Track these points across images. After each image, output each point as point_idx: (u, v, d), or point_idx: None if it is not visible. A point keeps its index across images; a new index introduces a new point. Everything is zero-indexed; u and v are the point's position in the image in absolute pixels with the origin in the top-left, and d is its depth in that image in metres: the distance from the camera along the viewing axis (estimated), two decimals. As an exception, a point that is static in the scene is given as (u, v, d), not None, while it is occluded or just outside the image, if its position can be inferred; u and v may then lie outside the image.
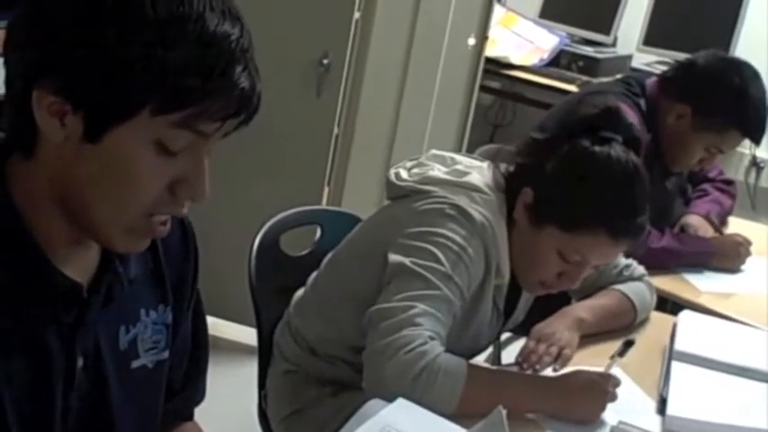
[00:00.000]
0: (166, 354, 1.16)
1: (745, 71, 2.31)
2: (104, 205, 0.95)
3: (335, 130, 2.99)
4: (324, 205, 2.98)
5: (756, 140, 2.31)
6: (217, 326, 2.89)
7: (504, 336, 1.95)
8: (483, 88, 3.79)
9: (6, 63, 0.95)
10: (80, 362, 1.03)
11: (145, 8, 0.88)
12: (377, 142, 3.30)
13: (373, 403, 1.39)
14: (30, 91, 0.91)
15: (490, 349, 1.88)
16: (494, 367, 1.69)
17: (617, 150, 1.58)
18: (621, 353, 1.67)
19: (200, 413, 1.32)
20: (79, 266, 1.01)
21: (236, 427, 2.20)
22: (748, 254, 2.37)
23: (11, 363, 0.96)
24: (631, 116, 2.27)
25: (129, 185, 0.94)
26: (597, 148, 1.58)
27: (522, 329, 1.87)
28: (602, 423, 1.51)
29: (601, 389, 1.52)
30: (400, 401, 1.39)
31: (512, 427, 1.35)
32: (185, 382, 1.27)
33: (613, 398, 1.52)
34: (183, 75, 0.89)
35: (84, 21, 0.89)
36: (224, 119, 0.93)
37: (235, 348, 2.81)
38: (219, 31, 0.90)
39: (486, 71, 3.69)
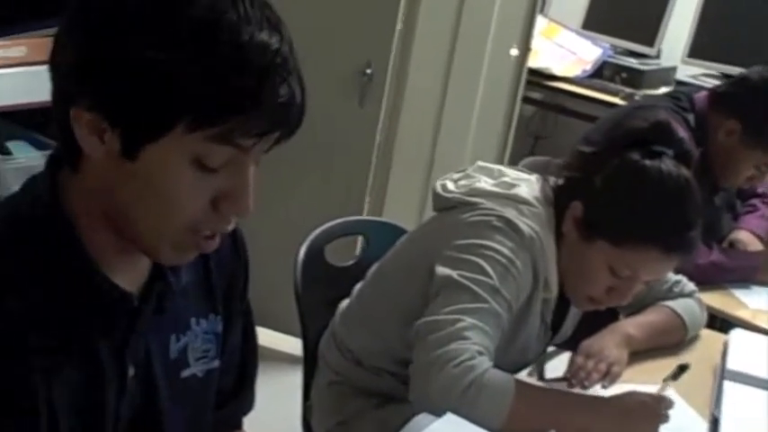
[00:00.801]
0: (216, 363, 1.16)
1: None
2: (148, 221, 0.94)
3: (377, 140, 2.99)
4: (365, 215, 2.98)
5: None
6: (261, 335, 2.89)
7: (551, 349, 1.92)
8: (525, 99, 3.76)
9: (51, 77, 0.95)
10: (131, 371, 1.03)
11: (175, 21, 0.86)
12: (418, 152, 3.29)
13: (421, 417, 1.38)
14: (68, 108, 0.91)
15: (533, 365, 1.86)
16: (543, 384, 1.66)
17: (668, 164, 1.56)
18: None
19: (245, 423, 1.31)
20: (130, 275, 1.02)
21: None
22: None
23: (63, 372, 0.96)
24: (680, 131, 2.24)
25: (169, 203, 0.92)
26: (648, 162, 1.56)
27: (566, 344, 1.84)
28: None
29: (654, 411, 1.49)
30: (449, 416, 1.38)
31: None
32: (234, 392, 1.26)
33: (666, 420, 1.49)
34: (216, 89, 0.86)
35: (112, 37, 0.87)
36: (261, 134, 0.90)
37: (279, 358, 2.81)
38: (256, 42, 0.87)
39: (528, 82, 3.66)
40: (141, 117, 0.88)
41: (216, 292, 1.15)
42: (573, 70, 4.09)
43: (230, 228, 0.98)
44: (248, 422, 1.32)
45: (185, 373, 1.11)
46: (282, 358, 2.77)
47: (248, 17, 0.87)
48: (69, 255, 0.96)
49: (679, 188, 1.56)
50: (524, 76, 3.54)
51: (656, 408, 1.50)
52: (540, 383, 1.66)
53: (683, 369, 1.67)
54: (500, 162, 3.60)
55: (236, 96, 0.87)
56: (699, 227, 1.59)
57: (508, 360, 1.60)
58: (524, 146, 4.34)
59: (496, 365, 1.47)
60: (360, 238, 2.21)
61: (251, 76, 0.87)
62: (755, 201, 2.56)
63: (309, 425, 1.83)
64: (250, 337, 1.27)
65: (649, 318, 1.81)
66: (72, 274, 0.96)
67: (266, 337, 2.90)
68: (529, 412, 1.42)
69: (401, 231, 1.95)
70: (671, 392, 1.61)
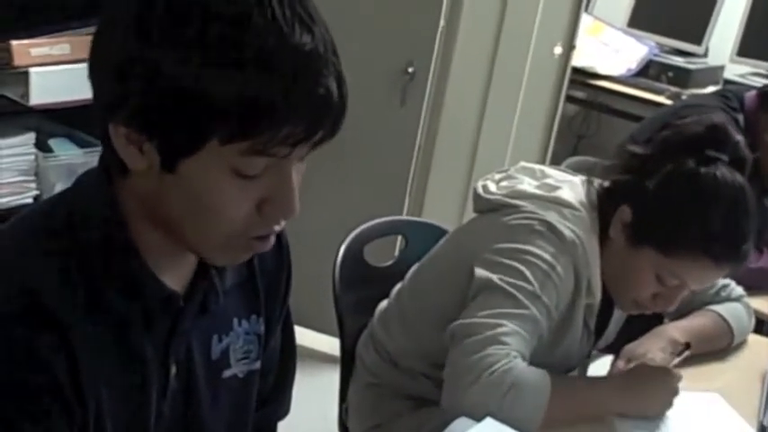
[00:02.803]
0: (258, 364, 1.15)
1: None
2: (195, 228, 0.93)
3: (418, 140, 2.97)
4: (404, 215, 2.97)
5: None
6: (299, 334, 2.88)
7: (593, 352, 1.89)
8: (568, 98, 3.72)
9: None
10: (173, 370, 1.03)
11: (199, 33, 0.83)
12: (459, 152, 3.27)
13: (461, 421, 1.35)
14: (107, 121, 0.90)
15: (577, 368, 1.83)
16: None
17: (723, 172, 1.51)
18: (680, 353, 1.66)
19: (281, 422, 1.30)
20: (176, 275, 1.01)
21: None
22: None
23: (107, 367, 0.95)
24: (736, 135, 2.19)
25: (213, 212, 0.91)
26: (703, 170, 1.51)
27: (611, 347, 1.81)
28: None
29: (667, 384, 1.51)
30: (488, 421, 1.36)
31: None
32: (271, 395, 1.25)
33: (677, 393, 1.52)
34: (244, 102, 0.83)
35: (142, 52, 0.85)
36: (296, 143, 0.87)
37: (316, 357, 2.80)
38: (286, 46, 0.84)
39: (571, 81, 3.62)
40: (173, 132, 0.87)
41: (259, 294, 1.14)
42: (618, 69, 4.03)
43: (280, 227, 0.96)
44: (286, 421, 1.30)
45: (226, 374, 1.10)
46: (321, 358, 2.76)
47: (276, 19, 0.84)
48: (121, 253, 0.95)
49: (734, 198, 1.51)
50: (568, 74, 3.50)
51: (671, 381, 1.52)
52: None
53: (687, 347, 1.69)
54: (542, 162, 3.56)
55: (265, 108, 0.84)
56: (752, 238, 1.54)
57: (551, 365, 1.57)
58: (567, 145, 4.29)
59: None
60: (399, 239, 2.19)
61: (280, 85, 0.83)
62: (805, 203, 2.49)
63: (346, 426, 1.81)
64: (289, 341, 1.26)
65: (695, 322, 1.76)
66: (122, 272, 0.95)
67: (304, 336, 2.91)
68: (561, 404, 1.42)
69: (441, 232, 1.93)
70: (716, 397, 1.58)
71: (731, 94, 2.41)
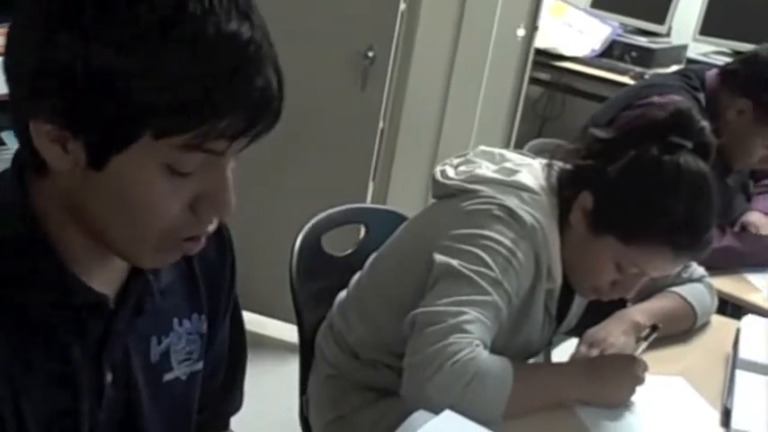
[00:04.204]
0: (200, 364, 1.11)
1: None
2: (124, 229, 0.88)
3: (381, 125, 2.93)
4: (368, 202, 2.93)
5: None
6: (261, 323, 2.86)
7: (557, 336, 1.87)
8: (532, 80, 3.69)
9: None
10: (109, 377, 0.97)
11: (130, 23, 0.78)
12: (423, 136, 3.24)
13: (418, 415, 1.32)
14: (26, 117, 0.83)
15: (541, 353, 1.81)
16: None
17: (687, 160, 1.49)
18: (647, 336, 1.64)
19: (242, 414, 1.27)
20: (105, 277, 0.96)
21: (279, 429, 2.15)
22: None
23: (28, 378, 0.90)
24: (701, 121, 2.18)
25: (143, 211, 0.86)
26: (666, 158, 1.48)
27: (574, 332, 1.79)
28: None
29: (631, 373, 1.49)
30: (448, 413, 1.33)
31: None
32: (222, 392, 1.21)
33: (641, 381, 1.50)
34: (179, 95, 0.79)
35: (66, 44, 0.79)
36: (235, 136, 0.83)
37: (282, 347, 2.77)
38: (222, 36, 0.79)
39: (535, 63, 3.59)
40: (102, 128, 0.81)
41: (200, 291, 1.09)
42: (581, 50, 4.02)
43: (212, 229, 0.92)
44: (249, 413, 1.27)
45: (168, 377, 1.06)
46: (288, 348, 2.72)
47: (212, 7, 0.79)
48: (36, 256, 0.89)
49: (696, 187, 1.49)
50: (531, 56, 3.47)
51: (634, 369, 1.50)
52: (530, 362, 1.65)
53: (654, 329, 1.66)
54: (506, 145, 3.54)
55: (201, 101, 0.79)
56: (714, 227, 1.52)
57: (512, 351, 1.55)
58: (532, 127, 4.27)
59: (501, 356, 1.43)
60: (361, 227, 2.15)
61: (217, 75, 0.79)
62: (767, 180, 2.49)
63: (307, 419, 1.78)
64: (238, 335, 1.22)
65: (657, 304, 1.75)
66: (40, 276, 0.90)
67: (268, 326, 2.89)
68: (523, 393, 1.40)
69: (402, 219, 1.89)
70: (680, 380, 1.57)
71: (692, 73, 2.39)
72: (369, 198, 3.02)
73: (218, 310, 1.13)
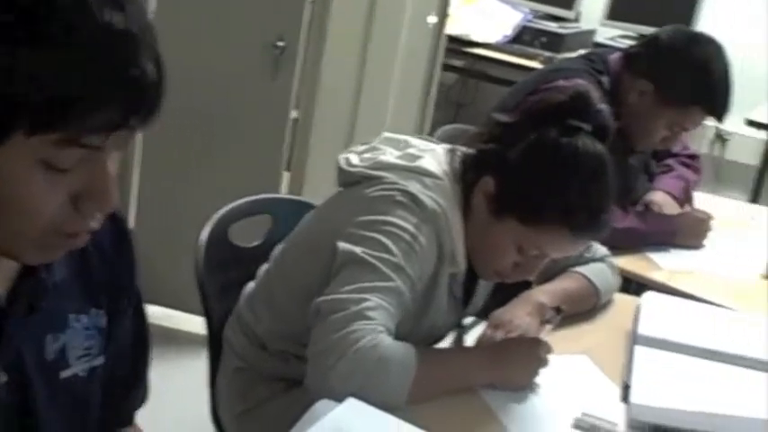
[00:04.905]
0: (100, 360, 1.08)
1: (707, 46, 2.26)
2: (1, 227, 0.85)
3: (292, 114, 2.92)
4: (284, 193, 2.92)
5: (719, 117, 2.25)
6: (172, 317, 2.82)
7: (470, 320, 1.89)
8: (446, 67, 3.72)
9: None
10: (2, 377, 0.95)
11: None
12: (338, 125, 3.23)
13: (321, 404, 1.32)
14: None
15: (452, 336, 1.83)
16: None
17: (585, 142, 1.51)
18: (551, 319, 1.66)
19: (152, 409, 1.25)
20: None
21: (190, 423, 2.13)
22: (709, 230, 2.33)
23: None
24: (597, 95, 2.22)
25: (20, 209, 0.83)
26: (564, 140, 1.51)
27: (484, 315, 1.81)
28: (565, 415, 1.45)
29: (535, 355, 1.51)
30: (351, 401, 1.32)
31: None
32: (125, 387, 1.20)
33: (545, 364, 1.52)
34: (51, 87, 0.76)
35: None
36: (111, 130, 0.80)
37: (191, 340, 2.73)
38: (94, 27, 0.77)
39: (448, 50, 3.62)
40: None
41: (97, 285, 1.07)
42: (493, 36, 4.06)
43: (96, 225, 0.89)
44: (159, 408, 1.25)
45: (65, 374, 1.03)
46: (195, 341, 2.69)
47: None
48: None
49: (594, 170, 1.51)
50: (443, 43, 3.49)
51: (537, 352, 1.52)
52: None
53: (558, 311, 1.68)
54: (421, 132, 3.56)
55: (73, 95, 0.77)
56: (610, 208, 1.55)
57: (418, 336, 1.56)
58: (447, 114, 4.31)
59: (408, 341, 1.43)
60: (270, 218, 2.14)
61: (89, 67, 0.77)
62: (670, 161, 2.55)
63: (217, 412, 1.77)
64: (141, 329, 1.20)
65: (561, 285, 1.77)
66: None
67: (178, 319, 2.85)
68: (429, 379, 1.40)
69: (311, 208, 1.88)
70: (583, 358, 1.59)
71: (596, 56, 2.43)
72: (284, 188, 3.01)
73: (118, 304, 1.11)
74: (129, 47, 0.79)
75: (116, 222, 1.09)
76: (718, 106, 2.22)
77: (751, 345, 1.67)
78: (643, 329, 1.68)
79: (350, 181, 1.64)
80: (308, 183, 3.18)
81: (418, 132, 3.49)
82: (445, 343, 1.81)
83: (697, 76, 2.20)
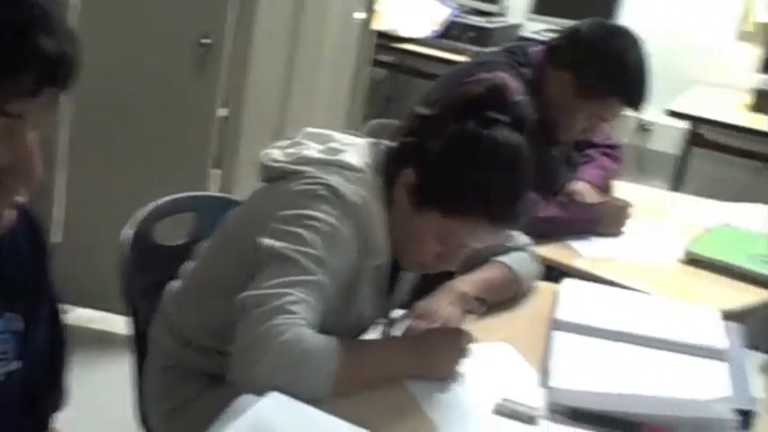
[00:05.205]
0: (17, 364, 1.08)
1: (624, 39, 2.32)
2: None
3: (221, 112, 2.91)
4: (215, 191, 2.91)
5: (636, 107, 2.32)
6: (97, 319, 2.78)
7: (399, 312, 1.91)
8: (376, 62, 3.74)
9: None
10: None
11: None
12: (268, 122, 3.23)
13: (244, 399, 1.33)
14: None
15: (380, 329, 1.84)
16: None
17: (503, 134, 1.54)
18: (473, 309, 1.69)
19: (77, 412, 1.24)
20: None
21: (117, 424, 2.11)
22: (628, 217, 2.38)
23: None
24: (516, 86, 2.26)
25: None
26: (483, 132, 1.54)
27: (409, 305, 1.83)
28: (487, 402, 1.48)
29: (457, 345, 1.54)
30: (273, 395, 1.33)
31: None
32: (42, 392, 1.19)
33: (466, 354, 1.54)
34: None
35: None
36: (28, 95, 0.83)
37: (117, 341, 2.70)
38: None
39: (377, 45, 3.64)
40: None
41: (11, 288, 1.06)
42: (422, 31, 4.10)
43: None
44: (84, 410, 1.24)
45: None
46: (120, 341, 2.66)
47: None
48: None
49: (509, 160, 1.54)
50: (371, 39, 3.51)
51: (458, 342, 1.54)
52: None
53: (481, 301, 1.71)
54: (351, 128, 3.57)
55: None
56: (527, 197, 1.58)
57: (343, 328, 1.57)
58: (378, 110, 4.34)
59: (333, 334, 1.45)
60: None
61: (2, 35, 0.80)
62: (591, 151, 2.60)
63: (143, 412, 1.76)
64: (58, 334, 1.20)
65: (483, 275, 1.81)
66: None
67: (102, 320, 2.81)
68: (353, 371, 1.41)
69: (236, 205, 1.89)
70: (504, 345, 1.62)
71: (518, 49, 2.47)
72: (215, 186, 3.00)
73: (35, 306, 1.11)
74: (41, 17, 0.83)
75: (29, 222, 1.09)
76: (635, 97, 2.28)
77: (666, 327, 1.72)
78: (561, 315, 1.72)
79: (273, 176, 1.65)
80: (238, 180, 3.17)
81: (348, 128, 3.51)
82: (374, 336, 1.83)
83: (613, 68, 2.26)
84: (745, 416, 1.49)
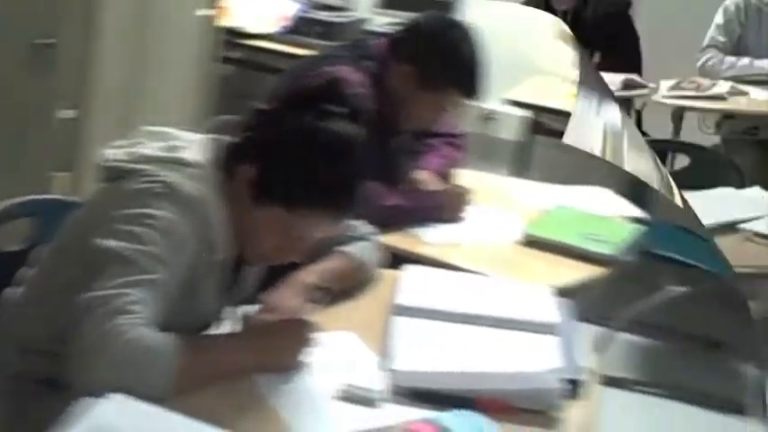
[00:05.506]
0: None
1: (460, 31, 2.41)
2: None
3: (66, 114, 2.86)
4: (64, 194, 2.84)
5: (470, 98, 2.41)
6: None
7: (249, 307, 1.92)
8: (225, 59, 3.73)
9: None
10: None
11: None
12: (119, 123, 3.18)
13: (85, 402, 1.32)
14: None
15: (229, 324, 1.85)
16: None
17: (339, 126, 1.58)
18: (318, 299, 1.72)
19: None
20: None
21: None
22: (468, 203, 2.47)
23: None
24: (357, 79, 2.31)
25: None
26: (320, 124, 1.57)
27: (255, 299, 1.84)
28: (333, 390, 1.51)
29: (301, 336, 1.56)
30: (113, 397, 1.33)
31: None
32: None
33: (309, 343, 1.56)
34: None
35: None
36: None
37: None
38: None
39: (226, 42, 3.63)
40: None
41: None
42: (271, 27, 4.11)
43: None
44: None
45: None
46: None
47: None
48: None
49: (345, 151, 1.59)
50: (217, 35, 3.50)
51: (301, 332, 1.56)
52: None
53: (324, 290, 1.75)
54: (201, 126, 3.55)
55: None
56: (365, 187, 1.63)
57: (187, 325, 1.57)
58: (230, 107, 4.30)
59: (176, 330, 1.45)
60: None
61: None
62: (434, 140, 2.67)
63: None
64: None
65: (326, 265, 1.84)
66: None
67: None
68: (195, 368, 1.42)
69: (78, 207, 1.86)
70: (346, 334, 1.66)
71: (361, 42, 2.53)
72: (62, 190, 2.93)
73: None
74: None
75: None
76: (470, 88, 2.37)
77: (501, 306, 1.81)
78: (401, 300, 1.78)
79: (111, 176, 1.64)
80: (88, 182, 3.11)
81: (199, 126, 3.48)
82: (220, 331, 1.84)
83: (449, 60, 2.35)
84: (574, 385, 1.59)
